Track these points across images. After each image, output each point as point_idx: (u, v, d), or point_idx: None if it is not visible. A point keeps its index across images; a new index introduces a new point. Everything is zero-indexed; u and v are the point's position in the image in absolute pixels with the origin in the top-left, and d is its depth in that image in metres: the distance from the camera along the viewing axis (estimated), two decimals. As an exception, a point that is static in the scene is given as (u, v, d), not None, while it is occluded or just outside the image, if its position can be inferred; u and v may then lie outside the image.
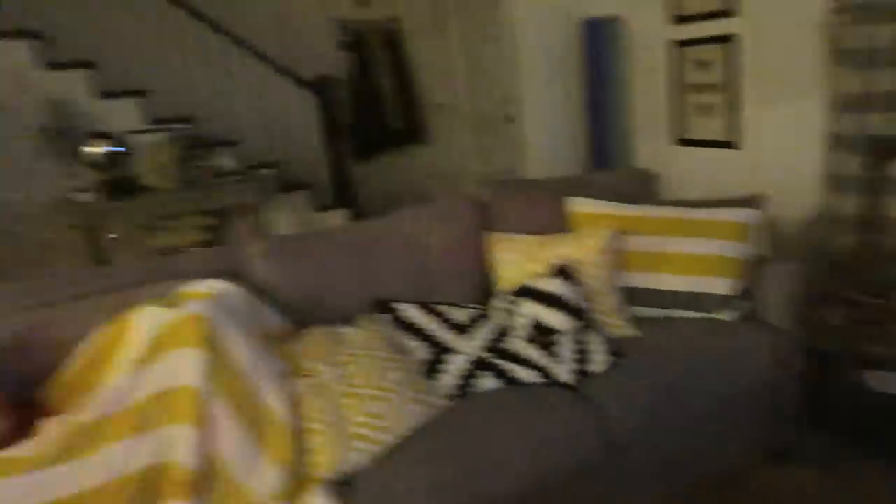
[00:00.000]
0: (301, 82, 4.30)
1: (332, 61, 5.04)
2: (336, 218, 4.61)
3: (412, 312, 1.86)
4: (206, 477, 1.40)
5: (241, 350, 1.52)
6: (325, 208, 4.60)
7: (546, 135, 4.11)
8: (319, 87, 4.33)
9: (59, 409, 1.56)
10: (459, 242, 2.01)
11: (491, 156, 5.30)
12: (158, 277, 1.77)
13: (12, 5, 3.73)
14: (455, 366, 1.74)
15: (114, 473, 1.36)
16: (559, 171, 3.92)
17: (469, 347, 1.79)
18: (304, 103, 4.37)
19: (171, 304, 1.59)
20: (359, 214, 4.73)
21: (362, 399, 1.56)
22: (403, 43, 5.44)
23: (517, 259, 1.98)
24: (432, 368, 1.73)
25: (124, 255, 4.20)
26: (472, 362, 1.76)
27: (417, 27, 5.46)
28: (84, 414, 1.45)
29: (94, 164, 3.84)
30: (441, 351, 1.77)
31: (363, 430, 1.51)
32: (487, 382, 1.73)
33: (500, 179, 3.16)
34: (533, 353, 1.78)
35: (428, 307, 1.89)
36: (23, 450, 1.38)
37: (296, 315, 1.84)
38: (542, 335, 1.80)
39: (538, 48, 3.94)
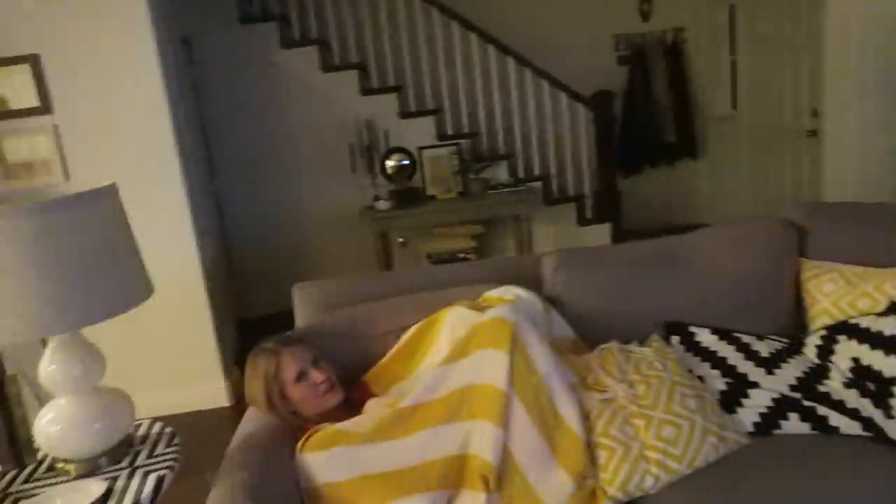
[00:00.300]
0: (578, 98, 4.36)
1: (607, 76, 5.04)
2: (598, 232, 4.60)
3: (708, 338, 1.77)
4: (502, 475, 1.48)
5: (540, 356, 1.58)
6: (587, 222, 4.62)
7: (855, 154, 3.57)
8: (596, 102, 4.36)
9: (377, 393, 1.79)
10: (765, 267, 1.85)
11: (773, 173, 4.82)
12: (462, 281, 1.94)
13: (341, 42, 4.42)
14: (756, 401, 1.61)
15: (424, 456, 1.51)
16: (867, 196, 3.39)
17: (773, 383, 1.65)
18: (578, 118, 4.44)
19: (478, 308, 1.73)
20: (622, 229, 4.65)
21: (653, 422, 1.52)
22: (683, 54, 5.22)
23: (836, 291, 1.77)
24: (730, 401, 1.62)
25: (405, 259, 4.70)
26: (776, 400, 1.61)
27: (699, 38, 5.21)
28: (402, 400, 1.63)
29: (390, 176, 4.36)
30: (740, 383, 1.65)
31: (655, 455, 1.47)
32: (794, 425, 1.57)
33: (814, 202, 2.85)
34: (854, 399, 1.57)
35: (727, 335, 1.78)
36: (354, 424, 1.60)
37: (582, 330, 1.87)
38: (867, 380, 1.58)
39: (855, 57, 3.45)
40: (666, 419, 1.52)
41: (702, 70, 5.25)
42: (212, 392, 3.34)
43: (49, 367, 1.45)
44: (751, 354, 1.71)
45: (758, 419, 1.58)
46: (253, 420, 1.70)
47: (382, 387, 1.81)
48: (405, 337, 1.81)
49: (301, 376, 1.66)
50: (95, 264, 1.34)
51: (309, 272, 4.18)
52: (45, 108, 3.04)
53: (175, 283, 3.07)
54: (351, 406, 1.72)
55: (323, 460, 1.50)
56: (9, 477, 1.51)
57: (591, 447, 1.54)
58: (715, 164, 5.31)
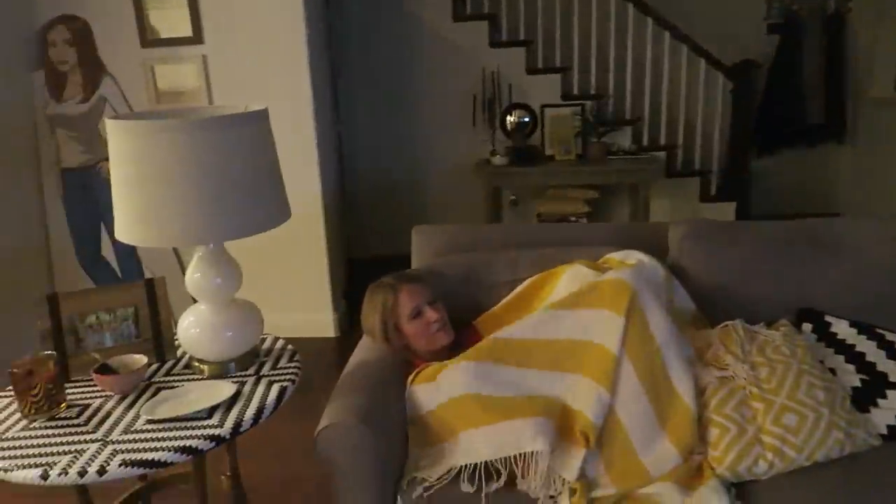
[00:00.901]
0: (718, 66, 4.09)
1: (754, 44, 4.67)
2: (721, 211, 4.35)
3: (846, 331, 1.65)
4: (606, 436, 1.47)
5: (658, 324, 1.54)
6: (711, 199, 4.38)
7: None
8: (738, 71, 4.06)
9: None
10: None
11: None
12: (583, 241, 1.91)
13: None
14: (894, 402, 1.49)
15: (527, 391, 1.52)
16: None
17: (916, 387, 1.52)
18: (716, 87, 4.18)
19: (598, 268, 1.70)
20: (748, 211, 4.38)
21: (774, 407, 1.45)
22: (845, 27, 4.73)
23: None
24: (864, 399, 1.51)
25: (514, 218, 4.68)
26: (917, 405, 1.49)
27: (866, 10, 4.69)
28: (509, 334, 1.64)
29: (509, 132, 4.32)
30: (878, 382, 1.53)
31: (772, 440, 1.41)
32: (935, 434, 1.45)
33: None
34: None
35: (867, 329, 1.65)
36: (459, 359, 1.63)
37: (704, 305, 1.80)
38: None
39: None
40: (788, 406, 1.44)
41: (864, 46, 4.75)
42: (321, 322, 3.52)
43: (195, 274, 1.58)
44: (893, 353, 1.57)
45: (893, 422, 1.47)
46: (367, 349, 1.78)
47: (491, 333, 1.84)
48: (520, 287, 1.82)
49: (416, 313, 1.71)
50: (246, 182, 1.43)
51: (420, 220, 4.25)
52: (197, 38, 3.24)
53: (297, 215, 3.21)
54: (460, 348, 1.76)
55: (430, 391, 1.56)
56: (153, 368, 1.68)
57: (702, 423, 1.50)
58: (864, 151, 4.83)
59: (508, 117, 4.29)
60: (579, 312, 1.60)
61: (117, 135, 1.38)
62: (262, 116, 1.49)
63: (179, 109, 1.60)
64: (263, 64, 3.23)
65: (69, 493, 1.61)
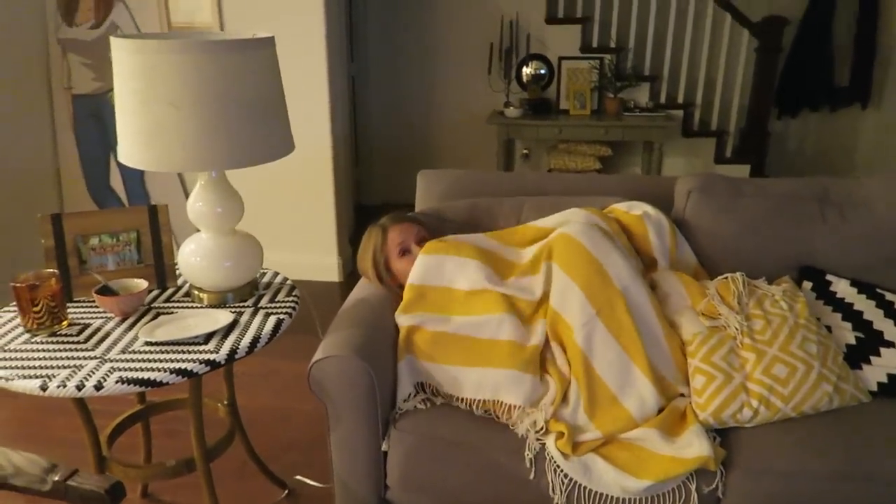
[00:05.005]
0: (745, 22, 3.96)
1: (782, 0, 4.51)
2: (736, 173, 4.26)
3: (846, 289, 1.64)
4: (586, 387, 1.49)
5: (618, 271, 1.55)
6: (726, 161, 4.31)
7: None
8: (765, 28, 3.93)
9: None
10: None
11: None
12: (590, 191, 1.89)
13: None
14: (888, 361, 1.49)
15: (498, 335, 1.57)
16: None
17: (911, 347, 1.51)
18: (740, 45, 4.06)
19: (601, 216, 1.69)
20: (763, 174, 4.31)
21: (765, 357, 1.45)
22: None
23: None
24: (857, 356, 1.51)
25: (524, 171, 4.64)
26: (911, 365, 1.49)
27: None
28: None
29: (525, 83, 4.24)
30: (873, 339, 1.53)
31: (758, 389, 1.42)
32: (925, 394, 1.45)
33: None
34: None
35: (868, 289, 1.63)
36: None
37: (707, 260, 1.79)
38: None
39: None
40: (780, 357, 1.45)
41: (897, 7, 4.57)
42: (325, 265, 3.55)
43: (196, 203, 1.58)
44: (892, 313, 1.57)
45: (884, 379, 1.47)
46: (364, 288, 1.79)
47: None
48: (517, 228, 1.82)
49: (404, 251, 1.72)
50: (250, 110, 1.42)
51: (431, 168, 4.24)
52: (209, -30, 3.17)
53: (306, 155, 3.22)
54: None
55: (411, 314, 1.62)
56: (153, 294, 1.70)
57: (689, 372, 1.51)
58: (888, 118, 4.71)
59: (525, 68, 4.21)
60: (543, 274, 1.62)
61: (122, 53, 1.37)
62: (269, 44, 1.46)
63: (188, 33, 1.57)
64: (278, 1, 3.17)
65: (71, 414, 1.66)
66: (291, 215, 3.45)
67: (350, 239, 3.72)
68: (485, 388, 1.51)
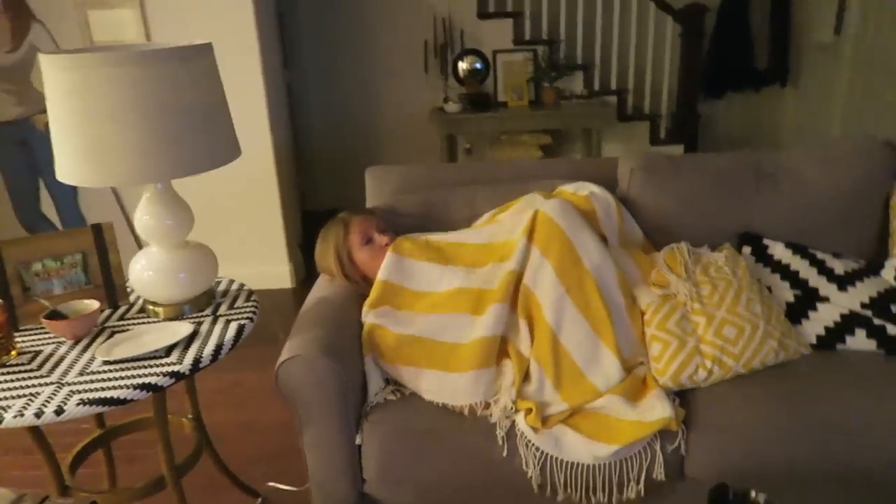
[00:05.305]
0: (668, 9, 4.12)
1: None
2: (671, 153, 4.46)
3: (782, 252, 1.74)
4: (554, 363, 1.53)
5: (588, 251, 1.61)
6: (660, 143, 4.47)
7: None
8: (687, 15, 4.10)
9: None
10: (854, 188, 1.77)
11: (871, 110, 4.49)
12: (536, 176, 1.94)
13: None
14: (824, 315, 1.59)
15: (462, 337, 1.60)
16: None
17: (843, 299, 1.62)
18: (665, 31, 4.22)
19: (550, 198, 1.74)
20: (696, 154, 4.49)
21: (714, 321, 1.53)
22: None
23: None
24: (797, 312, 1.61)
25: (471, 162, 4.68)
26: (845, 316, 1.59)
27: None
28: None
29: (462, 79, 4.29)
30: (810, 296, 1.63)
31: (711, 350, 1.50)
32: (859, 342, 1.56)
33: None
34: (929, 321, 1.53)
35: (801, 250, 1.74)
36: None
37: (653, 235, 1.87)
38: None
39: None
40: (728, 319, 1.53)
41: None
42: (277, 273, 3.51)
43: (143, 216, 1.55)
44: (824, 270, 1.67)
45: (822, 332, 1.57)
46: (323, 287, 1.79)
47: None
48: (478, 221, 1.84)
49: (367, 240, 1.74)
50: (193, 118, 1.40)
51: (374, 171, 4.25)
52: (133, -17, 3.09)
53: (249, 166, 3.18)
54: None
55: (377, 310, 1.63)
56: (106, 314, 1.66)
57: (645, 340, 1.57)
58: (805, 95, 4.98)
59: (461, 64, 4.26)
60: (516, 256, 1.66)
61: (54, 70, 1.33)
62: (207, 50, 1.45)
63: (117, 46, 1.53)
64: (207, 9, 3.11)
65: (31, 451, 1.60)
66: (238, 227, 3.39)
67: (299, 245, 3.69)
68: (443, 392, 1.53)
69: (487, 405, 1.51)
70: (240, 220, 3.38)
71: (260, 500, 1.97)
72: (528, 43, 4.25)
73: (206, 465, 1.86)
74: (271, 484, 2.02)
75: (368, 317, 1.62)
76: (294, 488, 1.99)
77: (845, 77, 4.60)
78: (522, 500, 1.50)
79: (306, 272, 3.65)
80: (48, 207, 3.42)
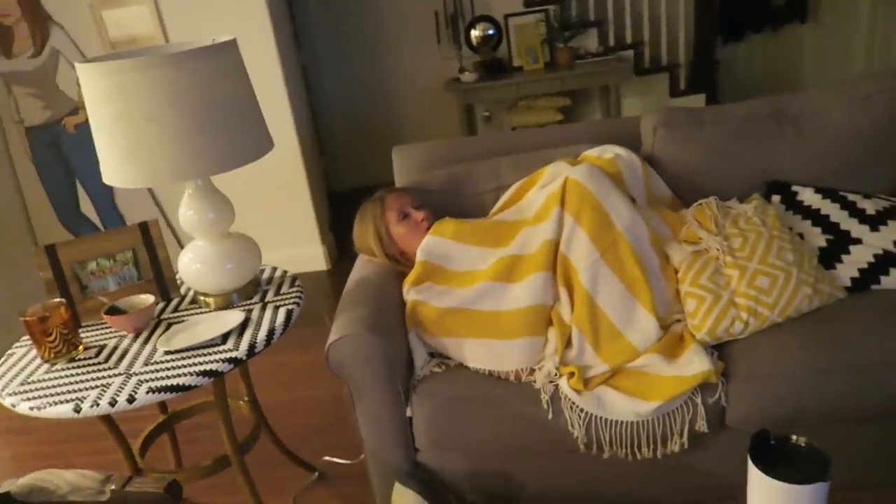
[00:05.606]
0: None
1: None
2: (692, 103, 4.36)
3: (811, 197, 1.75)
4: (592, 326, 1.58)
5: (618, 212, 1.64)
6: (681, 93, 4.41)
7: None
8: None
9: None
10: (881, 126, 1.76)
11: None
12: (560, 142, 1.97)
13: None
14: (857, 257, 1.60)
15: (508, 304, 1.64)
16: None
17: (876, 239, 1.62)
18: (677, -22, 4.13)
19: (576, 164, 1.77)
20: (718, 101, 4.43)
21: (747, 272, 1.56)
22: None
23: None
24: (830, 257, 1.62)
25: (494, 132, 4.69)
26: (878, 256, 1.60)
27: None
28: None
29: (475, 46, 4.27)
30: (842, 239, 1.64)
31: (746, 302, 1.52)
32: (894, 281, 1.57)
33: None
34: (964, 257, 1.54)
35: (831, 193, 1.74)
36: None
37: (680, 190, 1.88)
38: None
39: None
40: (760, 269, 1.55)
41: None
42: (311, 256, 3.58)
43: (188, 212, 1.62)
44: (856, 212, 1.68)
45: (856, 274, 1.58)
46: (363, 267, 1.85)
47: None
48: (507, 194, 1.88)
49: (403, 216, 1.78)
50: (227, 114, 1.46)
51: (394, 146, 4.27)
52: (145, -22, 3.12)
53: (274, 151, 3.21)
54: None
55: (418, 287, 1.68)
56: (159, 307, 1.74)
57: (680, 296, 1.61)
58: (825, 30, 4.85)
59: (473, 31, 4.23)
60: (547, 215, 1.69)
61: (91, 77, 1.39)
62: (232, 46, 1.49)
63: (141, 49, 1.58)
64: (219, 3, 3.14)
65: (96, 438, 1.70)
66: (270, 213, 3.47)
67: (329, 226, 3.76)
68: (489, 359, 1.59)
69: (531, 371, 1.57)
70: (271, 207, 3.45)
71: (316, 473, 2.07)
72: (538, 4, 4.20)
73: (262, 443, 1.96)
74: (327, 458, 2.12)
75: (410, 294, 1.67)
76: (348, 461, 2.09)
77: (866, 9, 4.46)
78: (569, 458, 1.56)
79: (339, 253, 3.72)
80: (86, 208, 3.53)
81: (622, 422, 1.48)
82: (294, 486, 2.05)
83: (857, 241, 1.62)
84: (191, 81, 1.39)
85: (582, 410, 1.49)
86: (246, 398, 1.93)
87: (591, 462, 1.55)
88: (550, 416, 1.50)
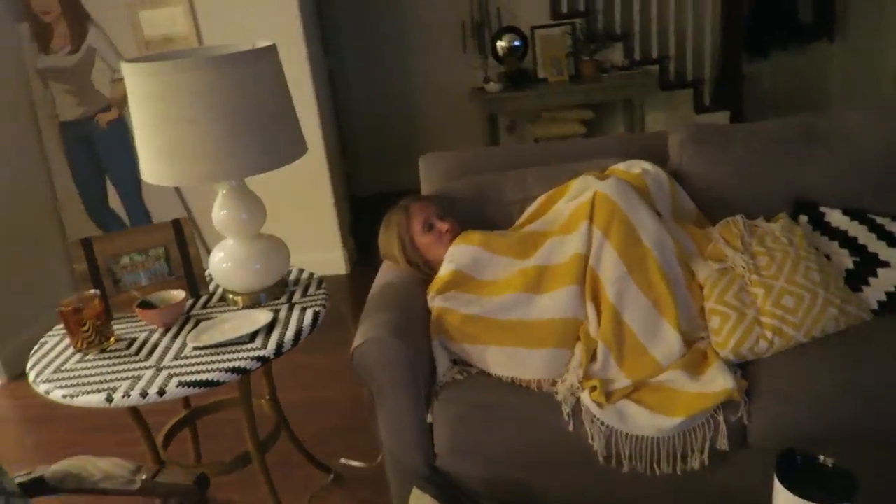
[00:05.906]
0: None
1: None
2: (717, 120, 4.39)
3: (839, 218, 1.75)
4: (617, 340, 1.58)
5: (645, 228, 1.65)
6: (705, 109, 4.40)
7: None
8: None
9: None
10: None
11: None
12: (587, 155, 1.98)
13: None
14: (885, 280, 1.60)
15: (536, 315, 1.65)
16: None
17: (905, 264, 1.62)
18: (705, -6, 4.13)
19: (605, 179, 1.78)
20: (742, 119, 4.41)
21: (773, 291, 1.56)
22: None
23: None
24: (857, 279, 1.62)
25: (520, 143, 4.71)
26: (906, 281, 1.60)
27: None
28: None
29: (501, 57, 4.30)
30: (870, 262, 1.64)
31: (771, 321, 1.52)
32: (922, 306, 1.57)
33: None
34: None
35: (859, 215, 1.74)
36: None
37: (706, 207, 1.89)
38: None
39: None
40: (787, 289, 1.55)
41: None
42: (332, 260, 3.62)
43: (221, 211, 1.65)
44: (884, 235, 1.67)
45: (883, 298, 1.58)
46: (388, 272, 1.87)
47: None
48: (533, 206, 1.89)
49: (428, 226, 1.80)
50: (264, 117, 1.49)
51: (417, 154, 4.28)
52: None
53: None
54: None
55: (444, 294, 1.70)
56: (189, 303, 1.77)
57: (705, 314, 1.61)
58: (853, 49, 4.82)
59: (499, 42, 4.26)
60: (576, 229, 1.70)
61: (136, 77, 1.43)
62: (272, 51, 1.53)
63: (181, 51, 1.62)
64: (252, 5, 3.19)
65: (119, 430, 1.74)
66: (294, 216, 3.50)
67: (350, 231, 3.79)
68: (512, 366, 1.60)
69: (554, 382, 1.58)
70: (295, 210, 3.49)
71: (332, 475, 2.09)
72: (565, 16, 4.23)
73: (279, 442, 1.98)
74: (343, 460, 2.14)
75: (435, 301, 1.69)
76: (364, 464, 2.10)
77: (895, 27, 4.43)
78: (588, 470, 1.56)
79: (360, 258, 3.75)
80: (114, 202, 3.59)
81: (643, 437, 1.48)
82: (309, 487, 2.07)
83: (885, 265, 1.62)
84: (231, 84, 1.42)
85: (603, 423, 1.49)
86: (267, 397, 1.96)
87: (609, 475, 1.55)
88: (571, 427, 1.51)
